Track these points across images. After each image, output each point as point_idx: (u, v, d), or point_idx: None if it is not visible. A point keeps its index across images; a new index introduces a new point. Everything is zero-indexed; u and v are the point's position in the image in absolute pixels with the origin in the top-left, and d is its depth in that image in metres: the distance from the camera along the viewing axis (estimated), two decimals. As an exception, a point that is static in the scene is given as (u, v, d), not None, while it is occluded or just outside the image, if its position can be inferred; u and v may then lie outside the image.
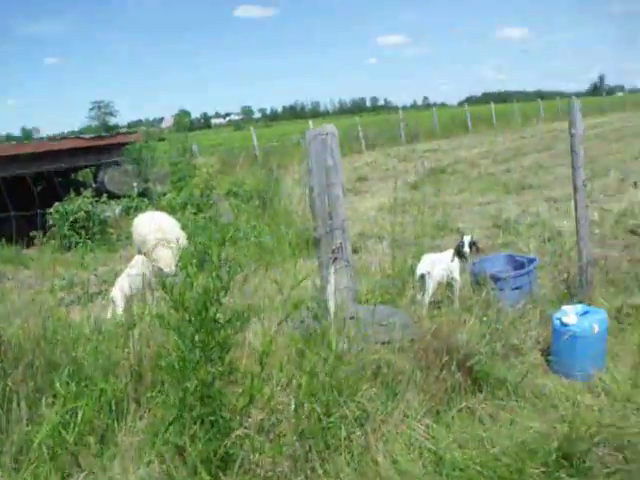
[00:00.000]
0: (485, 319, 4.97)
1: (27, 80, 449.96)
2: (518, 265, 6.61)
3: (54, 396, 4.02)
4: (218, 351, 3.25)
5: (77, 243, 10.97)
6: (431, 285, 6.24)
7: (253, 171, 15.97)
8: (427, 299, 6.22)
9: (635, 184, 12.75)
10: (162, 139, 17.24)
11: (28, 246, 12.34)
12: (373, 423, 3.54)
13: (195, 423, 3.23)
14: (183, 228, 9.46)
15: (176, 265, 8.15)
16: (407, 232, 9.70)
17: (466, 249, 6.28)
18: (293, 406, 3.39)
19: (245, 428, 3.30)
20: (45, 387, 4.12)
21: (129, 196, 12.97)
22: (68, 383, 4.04)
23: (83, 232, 11.57)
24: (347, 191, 16.04)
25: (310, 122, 29.10)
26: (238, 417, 3.37)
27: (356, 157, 25.03)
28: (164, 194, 13.51)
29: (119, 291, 7.19)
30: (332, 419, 3.42)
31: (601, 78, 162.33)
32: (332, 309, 3.84)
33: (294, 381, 3.58)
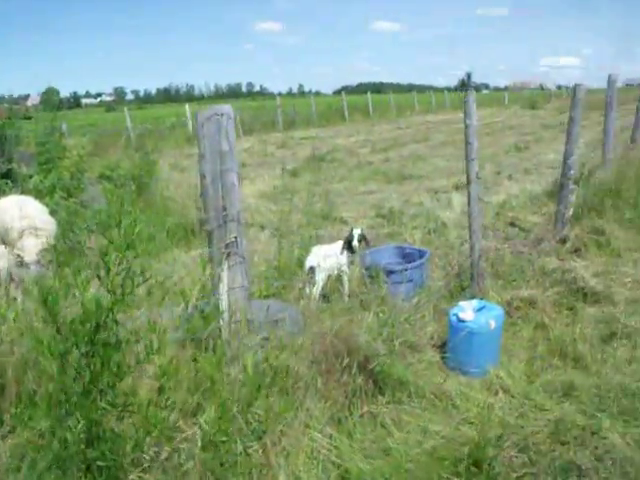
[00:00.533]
0: (381, 315, 4.72)
1: None
2: (408, 257, 6.44)
3: None
4: (111, 379, 2.71)
5: None
6: (321, 278, 5.95)
7: (128, 154, 15.15)
8: (317, 293, 5.93)
9: (510, 177, 13.03)
10: (28, 117, 16.04)
11: None
12: (272, 436, 3.17)
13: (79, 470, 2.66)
14: (52, 214, 8.74)
15: (43, 256, 7.46)
16: (290, 221, 9.43)
17: (355, 243, 6.06)
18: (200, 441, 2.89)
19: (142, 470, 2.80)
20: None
21: (-12, 177, 11.89)
22: None
23: None
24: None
25: (187, 106, 28.25)
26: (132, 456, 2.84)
27: (233, 142, 24.50)
28: (30, 176, 12.53)
29: None
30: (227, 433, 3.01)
31: (468, 75, 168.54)
32: (225, 310, 3.44)
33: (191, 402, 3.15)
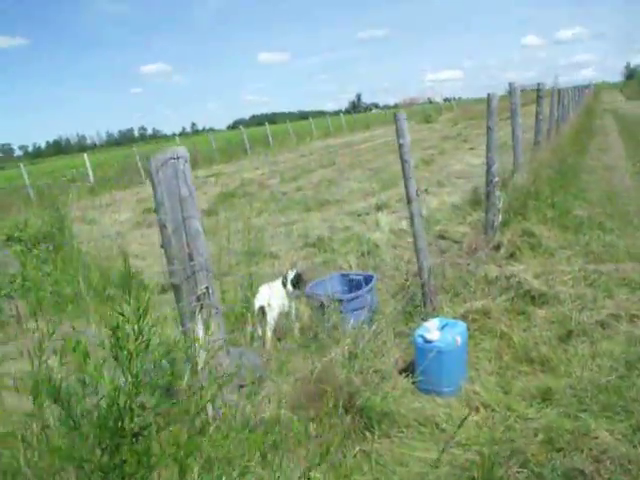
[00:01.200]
0: (347, 347, 4.56)
1: None
2: (355, 284, 6.31)
3: None
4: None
5: None
6: (272, 317, 5.77)
7: (34, 212, 14.49)
8: (269, 332, 5.74)
9: (426, 190, 13.17)
10: None
11: None
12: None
13: None
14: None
15: None
16: (221, 262, 9.21)
17: (289, 287, 5.95)
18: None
19: None
20: None
21: None
22: None
23: None
24: (138, 224, 15.20)
25: (85, 155, 27.53)
26: None
27: (138, 189, 23.92)
28: None
29: None
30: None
31: (358, 97, 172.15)
32: (202, 365, 3.19)
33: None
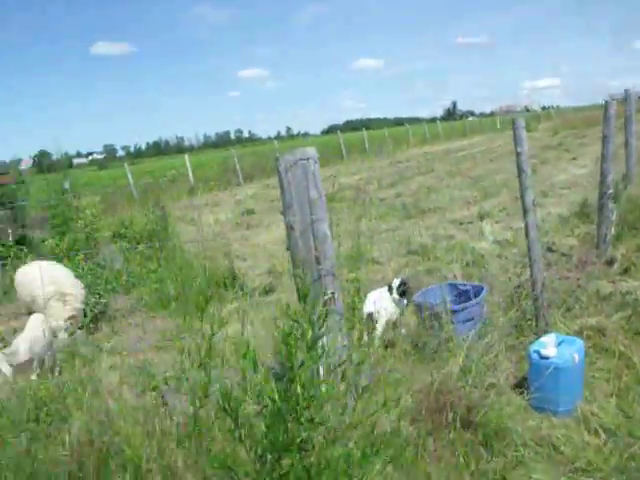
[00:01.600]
0: (462, 360, 4.41)
1: None
2: (463, 294, 6.14)
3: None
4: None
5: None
6: (381, 324, 5.68)
7: (137, 211, 14.90)
8: (377, 339, 5.64)
9: (533, 202, 12.75)
10: (22, 182, 15.85)
11: None
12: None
13: None
14: (77, 277, 8.48)
15: (71, 323, 7.17)
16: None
17: (395, 295, 5.83)
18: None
19: None
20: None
21: (3, 245, 11.62)
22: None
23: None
24: (237, 225, 15.38)
25: (185, 156, 28.09)
26: None
27: (236, 190, 24.30)
28: (43, 240, 12.27)
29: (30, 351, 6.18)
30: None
31: (454, 104, 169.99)
32: (322, 373, 3.12)
33: None
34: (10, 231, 12.11)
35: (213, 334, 2.71)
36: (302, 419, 2.14)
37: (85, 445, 3.29)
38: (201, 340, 3.70)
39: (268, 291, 8.37)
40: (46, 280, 7.12)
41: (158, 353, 6.64)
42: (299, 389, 2.17)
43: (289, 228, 3.19)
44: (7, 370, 6.04)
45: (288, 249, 3.26)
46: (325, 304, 3.17)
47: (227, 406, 2.22)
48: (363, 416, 2.93)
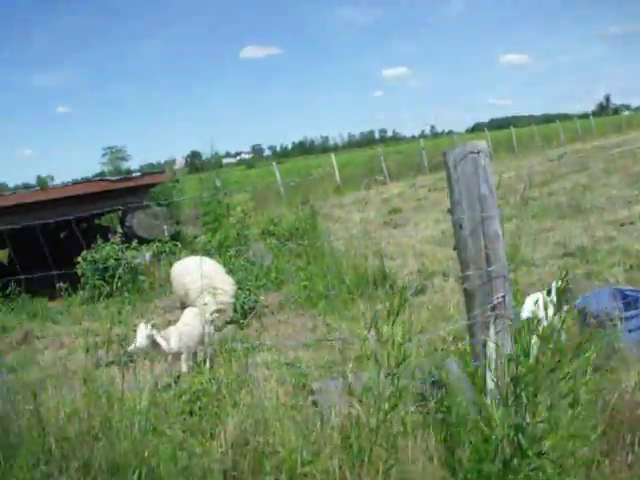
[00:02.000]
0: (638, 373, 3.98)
1: (40, 130, 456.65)
2: (630, 301, 5.63)
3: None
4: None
5: (108, 294, 10.08)
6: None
7: (286, 208, 15.05)
8: (536, 347, 5.26)
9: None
10: (176, 181, 16.43)
11: (53, 298, 11.46)
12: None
13: None
14: (228, 273, 8.59)
15: (217, 317, 7.23)
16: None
17: (553, 298, 5.37)
18: None
19: None
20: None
21: (160, 240, 12.08)
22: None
23: (114, 281, 10.70)
24: (384, 224, 15.18)
25: (332, 155, 28.30)
26: None
27: (382, 189, 24.11)
28: (195, 237, 12.65)
29: (181, 343, 6.30)
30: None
31: (607, 98, 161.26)
32: (491, 387, 2.86)
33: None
34: (165, 227, 12.56)
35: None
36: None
37: (240, 444, 3.20)
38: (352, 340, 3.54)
39: (419, 291, 8.11)
40: (198, 274, 7.23)
41: (308, 351, 6.56)
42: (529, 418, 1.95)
43: (457, 226, 2.95)
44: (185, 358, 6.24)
45: (455, 249, 3.03)
46: (494, 308, 2.91)
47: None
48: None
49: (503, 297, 2.92)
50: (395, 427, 3.10)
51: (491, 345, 2.90)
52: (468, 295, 2.98)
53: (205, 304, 6.93)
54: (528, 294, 5.82)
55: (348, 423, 3.24)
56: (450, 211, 3.04)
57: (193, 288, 7.27)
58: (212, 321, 6.85)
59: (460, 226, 2.92)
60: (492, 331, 2.91)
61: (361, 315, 7.51)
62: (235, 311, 7.97)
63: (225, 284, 7.48)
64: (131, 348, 6.05)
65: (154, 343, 6.10)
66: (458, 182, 2.88)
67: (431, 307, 7.13)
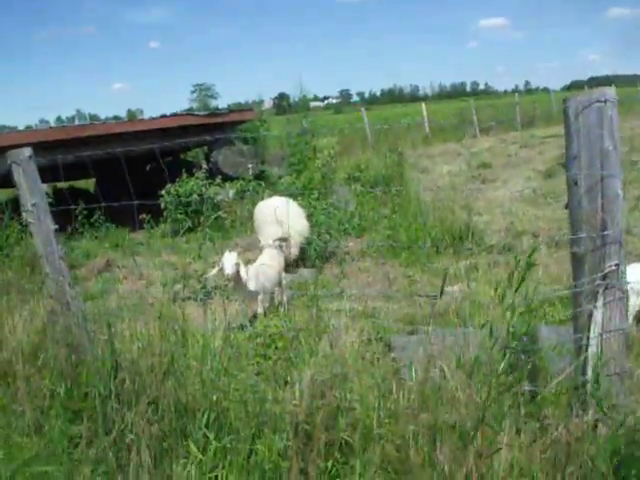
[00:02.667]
0: None
1: (132, 64, 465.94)
2: None
3: (187, 453, 2.98)
4: None
5: (190, 228, 10.09)
6: (634, 301, 4.90)
7: (373, 154, 14.73)
8: (630, 318, 4.89)
9: None
10: (263, 120, 16.30)
11: (135, 229, 11.58)
12: None
13: None
14: (308, 215, 8.45)
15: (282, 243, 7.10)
16: (563, 227, 8.40)
17: None
18: None
19: None
20: (174, 439, 3.07)
21: (244, 178, 11.99)
22: (206, 436, 2.99)
23: (195, 216, 10.72)
24: (472, 178, 14.71)
25: (422, 105, 27.66)
26: None
27: (470, 142, 23.40)
28: (280, 177, 12.51)
29: (258, 283, 6.19)
30: None
31: None
32: (591, 365, 2.57)
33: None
34: (250, 166, 12.45)
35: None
36: None
37: (316, 396, 3.02)
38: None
39: (507, 250, 7.76)
40: (272, 211, 7.17)
41: (386, 302, 6.34)
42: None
43: (572, 183, 2.63)
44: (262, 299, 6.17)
45: (566, 207, 2.71)
46: (605, 277, 2.60)
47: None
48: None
49: (617, 265, 2.60)
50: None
51: (598, 316, 2.60)
52: (576, 260, 2.66)
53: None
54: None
55: (429, 388, 3.02)
56: (564, 165, 2.72)
57: (263, 221, 7.24)
58: (279, 247, 6.73)
59: (575, 183, 2.59)
60: (600, 302, 2.60)
61: (444, 269, 7.26)
62: (308, 254, 7.91)
63: (295, 221, 7.34)
64: (212, 273, 5.98)
65: (237, 275, 5.99)
66: (578, 134, 2.55)
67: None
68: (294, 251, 7.68)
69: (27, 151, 4.09)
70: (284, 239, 6.77)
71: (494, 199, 11.52)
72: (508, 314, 2.66)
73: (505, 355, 2.54)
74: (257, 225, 7.94)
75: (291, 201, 7.75)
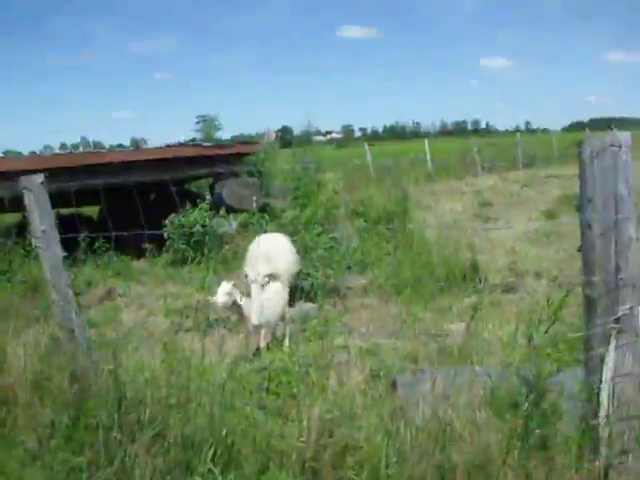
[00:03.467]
0: None
1: (138, 94, 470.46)
2: None
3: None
4: None
5: (192, 259, 10.11)
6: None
7: (376, 190, 14.77)
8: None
9: None
10: (268, 154, 16.36)
11: (139, 257, 11.59)
12: None
13: None
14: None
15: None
16: (566, 268, 8.43)
17: None
18: None
19: None
20: (179, 473, 3.03)
21: (247, 211, 12.02)
22: (211, 471, 2.96)
23: (199, 247, 10.73)
24: (475, 217, 14.77)
25: (426, 142, 27.88)
26: None
27: (473, 180, 23.54)
28: (283, 210, 12.53)
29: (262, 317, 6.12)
30: None
31: None
32: (603, 409, 2.56)
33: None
34: (254, 199, 12.46)
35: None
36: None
37: (323, 433, 2.99)
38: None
39: (510, 289, 7.77)
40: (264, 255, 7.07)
41: (390, 339, 6.31)
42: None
43: (585, 227, 2.64)
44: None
45: (579, 250, 2.71)
46: (618, 320, 2.59)
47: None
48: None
49: (630, 308, 2.60)
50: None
51: (611, 360, 2.59)
52: (589, 302, 2.66)
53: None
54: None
55: (438, 428, 2.99)
56: (578, 208, 2.73)
57: (252, 256, 7.19)
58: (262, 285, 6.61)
59: (589, 226, 2.60)
60: (613, 345, 2.59)
61: (448, 308, 7.25)
62: (306, 289, 7.88)
63: (282, 257, 7.24)
64: (216, 300, 5.96)
65: (234, 303, 5.98)
66: (593, 177, 2.57)
67: (522, 308, 6.78)
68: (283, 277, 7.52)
69: (39, 178, 4.10)
70: (273, 275, 6.64)
71: (497, 238, 11.54)
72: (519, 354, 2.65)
73: (526, 396, 2.52)
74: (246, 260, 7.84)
75: (281, 236, 7.68)
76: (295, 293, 7.77)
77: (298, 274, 7.59)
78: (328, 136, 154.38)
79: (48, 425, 3.72)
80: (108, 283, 9.83)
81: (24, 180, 4.10)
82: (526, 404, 2.72)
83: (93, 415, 3.49)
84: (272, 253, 6.93)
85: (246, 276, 6.33)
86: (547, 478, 2.68)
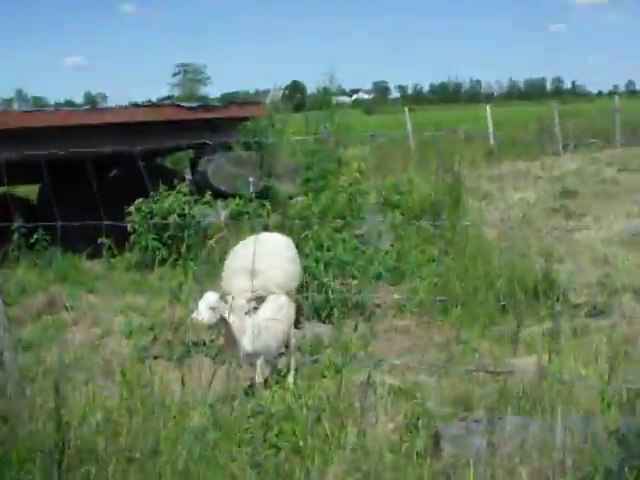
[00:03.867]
0: None
1: (95, 33, 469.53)
2: None
3: None
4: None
5: (165, 260, 10.09)
6: None
7: (418, 172, 14.76)
8: None
9: None
10: (272, 117, 16.36)
11: (92, 257, 11.60)
12: None
13: None
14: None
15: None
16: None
17: None
18: None
19: None
20: None
21: (242, 196, 11.96)
22: None
23: (174, 245, 10.69)
24: (553, 211, 14.73)
25: (487, 107, 27.82)
26: None
27: (550, 161, 23.44)
28: (290, 198, 12.54)
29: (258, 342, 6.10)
30: None
31: None
32: None
33: None
34: (252, 180, 12.37)
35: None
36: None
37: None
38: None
39: (599, 312, 7.75)
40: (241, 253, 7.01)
41: (431, 375, 6.31)
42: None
43: None
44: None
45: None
46: None
47: None
48: None
49: None
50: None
51: None
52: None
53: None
54: None
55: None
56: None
57: (232, 269, 7.02)
58: (248, 311, 6.52)
59: None
60: None
61: (513, 335, 7.23)
62: (312, 306, 7.91)
63: (274, 268, 7.10)
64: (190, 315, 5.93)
65: (222, 320, 5.92)
66: None
67: (617, 338, 6.76)
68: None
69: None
70: (260, 298, 6.51)
71: (583, 241, 11.53)
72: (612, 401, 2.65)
73: (622, 460, 2.53)
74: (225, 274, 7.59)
75: (278, 237, 7.51)
76: (302, 310, 7.77)
77: (299, 290, 7.52)
78: (354, 96, 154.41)
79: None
80: (50, 290, 9.87)
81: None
82: (623, 471, 2.73)
83: (24, 470, 3.51)
84: (262, 263, 6.84)
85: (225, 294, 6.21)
86: None
